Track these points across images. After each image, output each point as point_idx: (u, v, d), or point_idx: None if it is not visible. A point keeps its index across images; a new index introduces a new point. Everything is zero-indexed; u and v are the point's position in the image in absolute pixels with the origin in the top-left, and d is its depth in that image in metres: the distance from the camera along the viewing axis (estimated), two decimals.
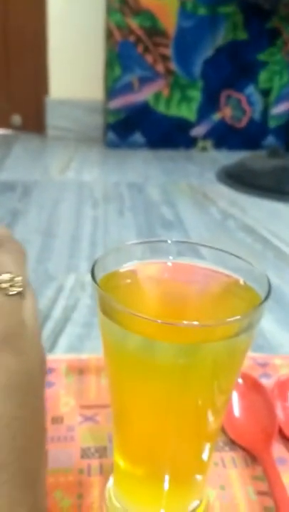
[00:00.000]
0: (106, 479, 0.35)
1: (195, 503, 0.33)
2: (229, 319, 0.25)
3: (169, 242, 0.32)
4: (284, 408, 0.42)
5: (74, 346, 0.53)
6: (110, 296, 0.25)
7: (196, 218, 0.98)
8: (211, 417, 0.29)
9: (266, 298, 0.26)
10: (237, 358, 0.27)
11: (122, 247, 0.31)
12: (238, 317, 0.25)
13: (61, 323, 0.58)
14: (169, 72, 1.48)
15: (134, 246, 0.31)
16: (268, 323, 0.60)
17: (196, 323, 0.25)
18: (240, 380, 0.44)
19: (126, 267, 0.30)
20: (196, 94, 1.51)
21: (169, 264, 0.32)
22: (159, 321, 0.23)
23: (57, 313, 0.60)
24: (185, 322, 0.25)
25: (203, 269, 0.31)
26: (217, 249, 0.30)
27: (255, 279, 0.28)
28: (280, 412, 0.41)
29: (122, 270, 0.30)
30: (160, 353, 0.25)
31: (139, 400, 0.28)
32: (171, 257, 0.32)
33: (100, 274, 0.27)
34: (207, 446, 0.30)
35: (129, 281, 0.30)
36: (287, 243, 0.87)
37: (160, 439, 0.29)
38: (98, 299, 0.27)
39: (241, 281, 0.30)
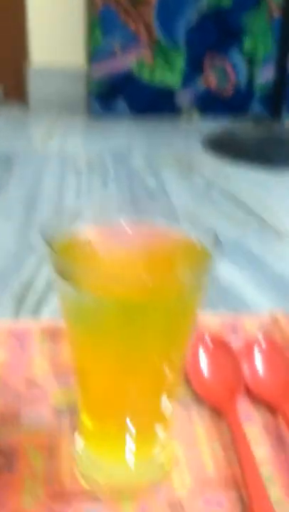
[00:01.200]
0: (77, 436, 0.36)
1: (160, 454, 0.34)
2: (178, 276, 0.25)
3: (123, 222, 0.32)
4: (250, 367, 0.43)
5: (57, 316, 0.54)
6: (60, 256, 0.25)
7: (181, 188, 0.98)
8: (167, 372, 0.30)
9: (214, 255, 0.26)
10: (187, 315, 0.28)
11: (73, 209, 0.31)
12: (187, 273, 0.25)
13: (44, 293, 0.58)
14: (152, 38, 1.44)
15: (86, 206, 0.31)
16: (248, 290, 0.61)
17: (143, 280, 0.25)
18: (208, 339, 0.45)
19: (77, 230, 0.30)
20: (180, 61, 1.49)
21: (121, 224, 0.32)
22: (109, 278, 0.24)
23: (40, 283, 0.61)
24: (132, 280, 0.25)
25: (158, 229, 0.31)
26: (171, 207, 0.31)
27: (209, 239, 0.29)
28: (246, 371, 0.42)
29: (73, 233, 0.30)
30: (111, 311, 0.25)
31: (97, 358, 0.29)
32: (122, 218, 0.32)
33: (50, 236, 0.27)
34: (166, 397, 0.32)
35: (81, 244, 0.30)
36: (271, 212, 0.87)
37: (120, 394, 0.30)
38: (50, 260, 0.27)
39: (194, 241, 0.30)
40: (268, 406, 0.40)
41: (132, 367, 0.28)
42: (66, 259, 0.25)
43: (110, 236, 0.31)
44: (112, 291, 0.24)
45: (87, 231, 0.30)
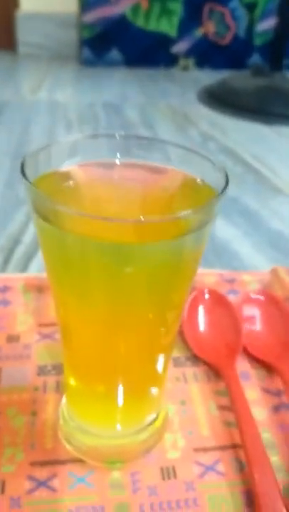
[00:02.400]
0: (62, 396, 0.34)
1: (152, 416, 0.32)
2: (177, 214, 0.22)
3: (117, 136, 0.28)
4: (250, 325, 0.41)
5: (44, 271, 0.51)
6: (44, 193, 0.22)
7: (176, 140, 0.93)
8: (161, 327, 0.27)
9: (221, 192, 0.23)
10: (187, 262, 0.25)
11: (59, 143, 0.27)
12: (186, 212, 0.22)
13: (32, 248, 0.56)
14: None
15: (74, 142, 0.27)
16: (244, 247, 0.58)
17: (139, 219, 0.22)
18: (206, 296, 0.43)
19: (64, 167, 0.27)
20: (177, 7, 1.41)
21: (116, 163, 0.28)
22: (95, 216, 0.20)
23: (28, 238, 0.58)
24: (126, 218, 0.22)
25: (155, 167, 0.28)
26: (174, 145, 0.27)
27: (214, 177, 0.25)
28: (246, 329, 0.41)
29: (59, 170, 0.27)
30: (100, 254, 0.22)
31: (83, 311, 0.26)
32: (118, 155, 0.28)
33: (32, 174, 0.24)
34: (160, 358, 0.29)
35: (67, 181, 0.27)
36: (268, 167, 0.84)
37: (109, 351, 0.27)
38: (31, 199, 0.23)
39: (198, 180, 0.27)
40: (266, 366, 0.38)
41: (121, 320, 0.25)
42: (48, 196, 0.22)
43: (100, 174, 0.28)
44: (100, 231, 0.21)
45: (76, 169, 0.27)
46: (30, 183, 0.22)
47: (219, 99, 1.16)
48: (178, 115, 1.08)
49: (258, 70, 1.23)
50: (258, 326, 0.41)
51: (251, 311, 0.42)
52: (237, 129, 1.02)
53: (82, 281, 0.24)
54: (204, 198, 0.24)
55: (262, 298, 0.43)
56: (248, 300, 0.43)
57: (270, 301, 0.42)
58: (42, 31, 1.48)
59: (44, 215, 0.22)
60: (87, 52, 1.43)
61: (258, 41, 1.49)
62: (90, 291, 0.24)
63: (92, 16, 1.39)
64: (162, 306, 0.25)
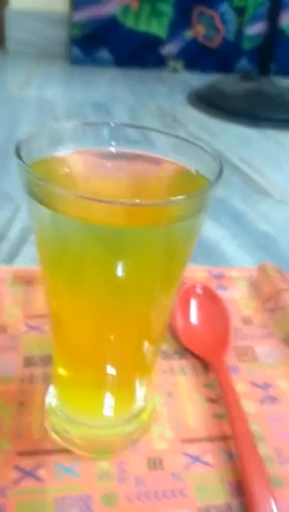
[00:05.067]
0: (49, 387, 0.34)
1: (139, 406, 0.32)
2: (170, 199, 0.22)
3: (112, 124, 0.28)
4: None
5: (31, 265, 0.51)
6: (35, 174, 0.22)
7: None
8: (151, 317, 0.27)
9: (215, 180, 0.23)
10: (177, 251, 0.25)
11: (53, 129, 0.27)
12: (181, 197, 0.22)
13: (17, 244, 0.55)
14: None
15: (69, 128, 0.27)
16: (231, 248, 0.59)
17: (132, 201, 0.22)
18: (196, 290, 0.43)
19: (59, 153, 0.27)
20: (167, 9, 1.41)
21: (111, 151, 0.28)
22: (91, 198, 0.20)
23: (14, 234, 0.57)
24: (121, 201, 0.22)
25: (151, 157, 0.28)
26: (169, 135, 0.27)
27: (209, 167, 0.25)
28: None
29: (53, 156, 0.26)
30: (94, 237, 0.22)
31: (75, 299, 0.26)
32: (113, 143, 0.28)
33: (27, 159, 0.23)
34: (149, 349, 0.29)
35: (63, 168, 0.27)
36: (256, 169, 0.84)
37: (98, 340, 0.27)
38: (27, 183, 0.23)
39: (192, 170, 0.27)
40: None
41: (112, 308, 0.25)
42: (42, 178, 0.22)
43: (95, 162, 0.28)
44: (93, 214, 0.21)
45: (71, 156, 0.27)
46: (26, 164, 0.22)
47: (208, 101, 1.16)
48: (167, 117, 1.09)
49: (247, 74, 1.24)
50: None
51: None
52: (225, 131, 1.03)
53: (74, 267, 0.24)
54: (198, 187, 0.24)
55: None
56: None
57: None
58: (32, 29, 1.48)
59: (39, 197, 0.22)
60: (76, 51, 1.43)
61: (246, 45, 1.50)
62: (82, 278, 0.24)
63: (83, 15, 1.39)
64: (154, 290, 0.25)
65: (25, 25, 1.47)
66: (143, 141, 0.29)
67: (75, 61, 1.44)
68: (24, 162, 0.22)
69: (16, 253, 0.54)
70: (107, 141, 0.28)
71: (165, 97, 1.24)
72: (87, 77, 1.34)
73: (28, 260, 0.52)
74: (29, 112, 1.02)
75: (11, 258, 0.53)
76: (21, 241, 0.56)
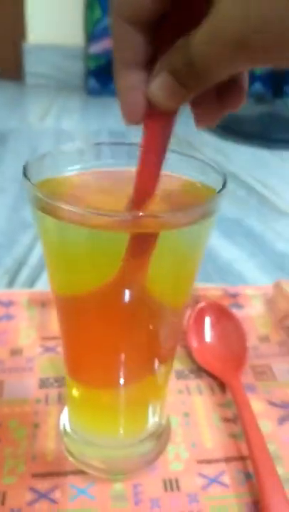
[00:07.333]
0: (64, 408, 0.34)
1: (154, 425, 0.32)
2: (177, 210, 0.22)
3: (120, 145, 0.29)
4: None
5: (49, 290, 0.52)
6: (41, 189, 0.22)
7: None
8: (164, 334, 0.27)
9: (218, 191, 0.24)
10: (187, 260, 0.25)
11: (60, 151, 0.27)
12: (187, 207, 0.22)
13: (37, 271, 0.56)
14: None
15: (76, 150, 0.28)
16: (248, 268, 0.59)
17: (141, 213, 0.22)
18: (211, 309, 0.43)
19: (66, 173, 0.27)
20: None
21: (119, 170, 0.29)
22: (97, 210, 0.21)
23: (33, 260, 0.58)
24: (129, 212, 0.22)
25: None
26: (174, 151, 0.28)
27: (214, 180, 0.26)
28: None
29: (60, 176, 0.27)
30: (100, 245, 0.23)
31: (85, 317, 0.26)
32: (121, 162, 0.29)
33: (34, 180, 0.24)
34: (161, 367, 0.29)
35: (70, 187, 0.27)
36: (271, 190, 0.84)
37: (112, 360, 0.27)
38: (30, 195, 0.24)
39: (198, 184, 0.27)
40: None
41: (124, 326, 0.26)
42: (48, 192, 0.22)
43: (102, 181, 0.29)
44: (101, 222, 0.22)
45: (78, 176, 0.28)
46: (29, 180, 0.23)
47: (223, 125, 1.17)
48: (182, 142, 1.10)
49: (261, 98, 1.25)
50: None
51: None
52: (240, 154, 1.03)
53: (79, 276, 0.24)
54: (203, 194, 0.25)
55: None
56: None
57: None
58: (49, 62, 1.52)
59: (44, 208, 0.23)
60: (92, 83, 1.47)
61: (259, 69, 1.52)
62: (89, 286, 0.25)
63: (98, 47, 1.43)
64: (162, 309, 0.26)
65: (42, 58, 1.52)
66: None
67: (91, 92, 1.47)
68: (30, 180, 0.23)
69: (35, 278, 0.55)
70: (116, 160, 0.29)
71: (180, 124, 1.24)
72: (104, 107, 1.37)
73: (48, 285, 0.53)
74: (47, 142, 1.04)
75: (31, 283, 0.54)
76: (41, 267, 0.57)
